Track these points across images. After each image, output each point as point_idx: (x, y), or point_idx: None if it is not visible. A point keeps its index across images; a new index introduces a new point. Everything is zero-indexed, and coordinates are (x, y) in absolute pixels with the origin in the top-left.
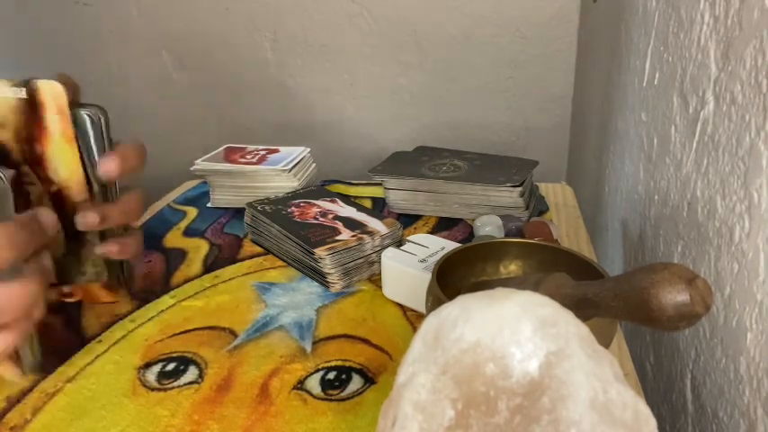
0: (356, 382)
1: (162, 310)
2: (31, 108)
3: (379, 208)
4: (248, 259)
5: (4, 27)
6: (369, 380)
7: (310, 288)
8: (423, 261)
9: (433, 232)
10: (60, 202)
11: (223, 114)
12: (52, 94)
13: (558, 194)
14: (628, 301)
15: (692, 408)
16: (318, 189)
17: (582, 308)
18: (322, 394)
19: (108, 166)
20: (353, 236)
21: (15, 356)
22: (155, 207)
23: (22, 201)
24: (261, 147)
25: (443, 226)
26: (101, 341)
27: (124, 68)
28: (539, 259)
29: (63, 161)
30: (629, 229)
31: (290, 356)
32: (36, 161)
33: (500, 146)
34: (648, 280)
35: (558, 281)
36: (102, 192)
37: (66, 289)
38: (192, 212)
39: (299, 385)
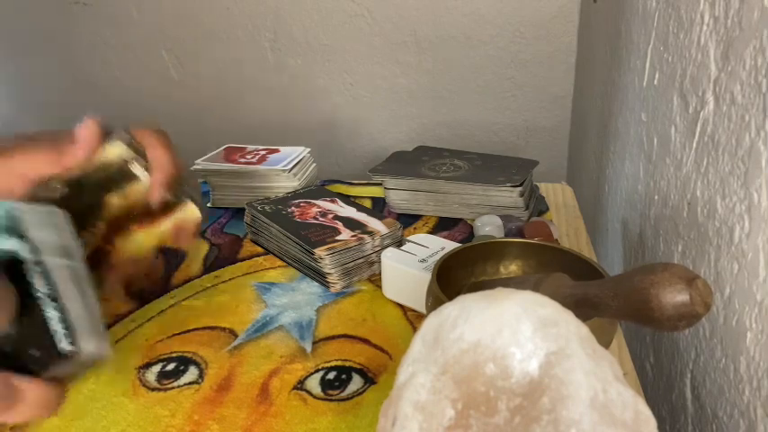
0: (356, 382)
1: (162, 310)
2: (163, 208)
3: (379, 208)
4: (248, 259)
5: (4, 27)
6: (369, 380)
7: (310, 288)
8: (423, 261)
9: (433, 232)
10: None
11: (223, 114)
12: (191, 217)
13: (558, 194)
14: (628, 302)
15: (692, 408)
16: (318, 189)
17: (582, 308)
18: (322, 394)
19: (156, 196)
20: (353, 236)
21: None
22: None
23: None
24: (261, 147)
25: (443, 226)
26: None
27: (124, 68)
28: (539, 259)
29: (140, 247)
30: (629, 229)
31: (290, 356)
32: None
33: (500, 146)
34: (648, 280)
35: (558, 281)
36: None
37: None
38: None
39: (299, 385)
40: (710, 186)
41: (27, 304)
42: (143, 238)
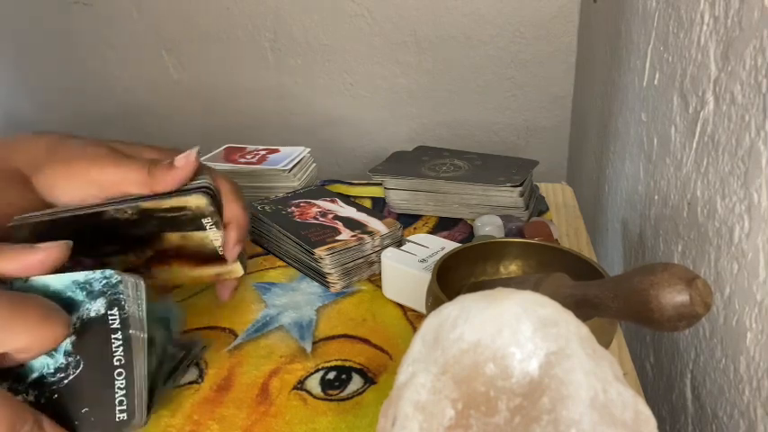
0: (356, 382)
1: None
2: (212, 255)
3: (379, 208)
4: (248, 259)
5: (5, 27)
6: (369, 380)
7: (310, 288)
8: (423, 261)
9: (433, 232)
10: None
11: (223, 114)
12: (235, 274)
13: (558, 194)
14: (627, 302)
15: (692, 408)
16: (318, 189)
17: (582, 308)
18: (322, 394)
19: (232, 254)
20: (353, 236)
21: None
22: None
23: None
24: (261, 147)
25: (443, 226)
26: None
27: (124, 68)
28: (539, 259)
29: (174, 280)
30: (629, 229)
31: (290, 356)
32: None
33: (500, 146)
34: (648, 281)
35: (558, 281)
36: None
37: None
38: None
39: (299, 385)
40: (710, 186)
41: (97, 366)
42: (180, 275)
